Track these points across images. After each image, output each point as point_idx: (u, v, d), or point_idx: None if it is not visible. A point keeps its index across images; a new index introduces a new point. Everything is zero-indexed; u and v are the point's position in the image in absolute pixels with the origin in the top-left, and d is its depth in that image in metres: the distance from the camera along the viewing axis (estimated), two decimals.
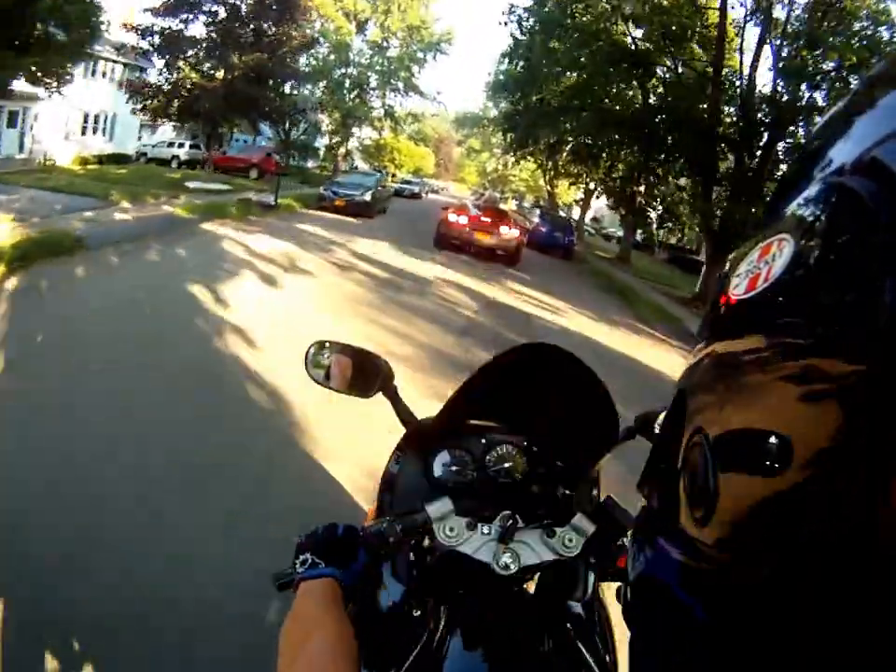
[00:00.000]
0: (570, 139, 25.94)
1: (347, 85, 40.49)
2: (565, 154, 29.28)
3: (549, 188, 40.45)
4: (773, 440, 0.40)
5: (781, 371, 0.41)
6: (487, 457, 1.34)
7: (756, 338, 0.44)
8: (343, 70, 39.96)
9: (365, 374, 1.39)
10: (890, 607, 0.33)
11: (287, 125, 37.49)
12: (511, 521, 1.06)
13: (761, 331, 0.44)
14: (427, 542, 1.16)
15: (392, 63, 40.90)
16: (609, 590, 1.13)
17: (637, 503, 0.61)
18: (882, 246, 0.35)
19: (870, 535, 0.34)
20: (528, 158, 34.57)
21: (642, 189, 24.69)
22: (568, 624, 1.08)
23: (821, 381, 0.37)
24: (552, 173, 39.51)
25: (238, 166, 29.13)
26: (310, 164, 44.84)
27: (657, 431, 0.83)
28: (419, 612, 1.08)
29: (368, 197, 19.86)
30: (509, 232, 15.38)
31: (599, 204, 65.95)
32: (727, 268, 0.53)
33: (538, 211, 26.76)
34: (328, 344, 1.46)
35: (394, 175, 55.53)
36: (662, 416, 1.17)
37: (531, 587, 1.17)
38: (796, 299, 0.41)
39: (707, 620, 0.45)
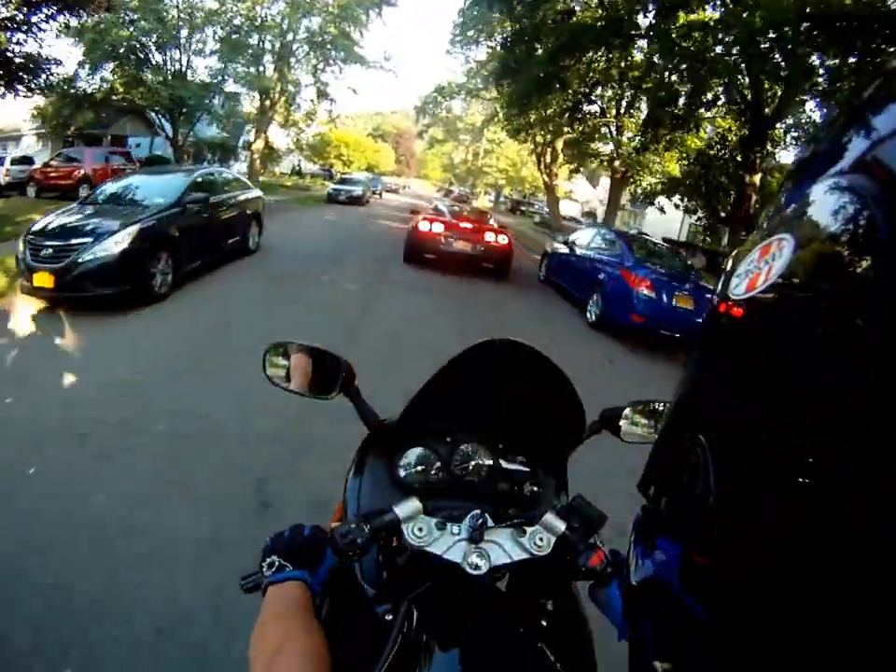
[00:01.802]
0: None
1: (269, 59, 29.91)
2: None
3: (546, 175, 30.21)
4: (772, 440, 0.41)
5: (781, 372, 0.42)
6: (453, 456, 1.34)
7: (755, 338, 0.46)
8: (256, 37, 29.09)
9: (325, 375, 1.35)
10: (890, 606, 0.34)
11: (179, 116, 26.86)
12: (480, 520, 1.04)
13: (760, 331, 0.45)
14: (395, 543, 1.13)
15: (321, 21, 30.17)
16: (582, 589, 1.15)
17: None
18: (882, 246, 0.36)
19: (870, 536, 0.35)
20: (530, 128, 26.38)
21: (756, 179, 14.26)
22: (543, 622, 1.08)
23: (821, 381, 0.38)
24: (551, 154, 29.58)
25: (61, 183, 18.37)
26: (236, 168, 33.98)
27: (658, 433, 0.65)
28: (390, 615, 1.03)
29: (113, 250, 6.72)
30: (497, 238, 12.10)
31: (591, 194, 56.48)
32: (727, 268, 0.53)
33: (603, 231, 11.40)
34: (286, 345, 1.40)
35: (344, 175, 45.30)
36: (626, 411, 1.38)
37: (503, 586, 1.15)
38: (796, 298, 0.42)
39: (707, 619, 0.46)
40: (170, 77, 25.52)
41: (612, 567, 1.03)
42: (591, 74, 19.00)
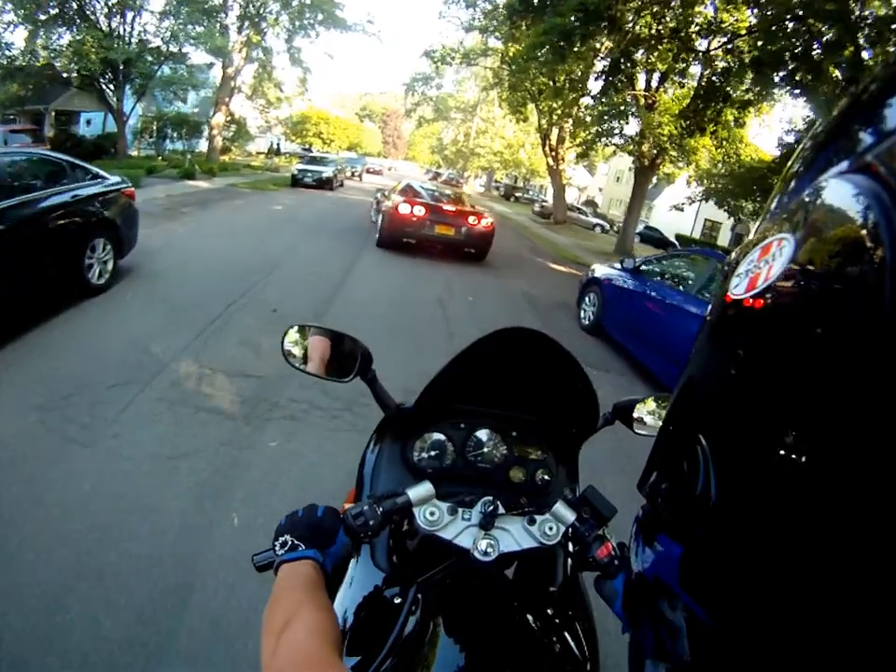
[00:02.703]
0: None
1: (233, 20, 25.61)
2: None
3: (552, 158, 26.11)
4: (772, 440, 0.41)
5: (780, 371, 0.42)
6: (467, 442, 1.35)
7: (755, 337, 0.45)
8: None
9: (343, 358, 1.33)
10: (891, 605, 0.34)
11: (119, 85, 22.68)
12: (491, 507, 1.05)
13: (760, 331, 0.45)
14: (406, 527, 1.16)
15: None
16: (588, 579, 1.12)
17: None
18: (882, 246, 0.36)
19: (870, 535, 0.35)
20: (536, 100, 22.76)
21: None
22: (549, 611, 1.08)
23: (821, 380, 0.38)
24: (558, 134, 25.62)
25: None
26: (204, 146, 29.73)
27: (658, 432, 0.65)
28: (399, 598, 1.04)
29: None
30: (480, 222, 11.39)
31: (588, 182, 52.46)
32: (727, 268, 0.54)
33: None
34: (305, 328, 1.40)
35: (313, 153, 41.46)
36: (639, 404, 1.36)
37: (511, 573, 1.18)
38: (796, 298, 0.42)
39: (707, 619, 0.46)
40: (102, 38, 21.14)
41: (619, 560, 1.00)
42: (643, 18, 14.97)
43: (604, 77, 16.72)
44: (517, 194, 47.92)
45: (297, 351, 1.38)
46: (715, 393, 0.50)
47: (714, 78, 15.38)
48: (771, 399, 0.42)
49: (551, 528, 1.04)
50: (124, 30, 22.68)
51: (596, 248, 20.59)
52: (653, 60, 16.49)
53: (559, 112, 23.15)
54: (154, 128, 30.87)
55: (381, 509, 1.00)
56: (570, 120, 24.22)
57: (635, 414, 1.38)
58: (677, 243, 31.34)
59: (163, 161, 23.84)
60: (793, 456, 0.39)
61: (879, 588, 0.35)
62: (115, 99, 23.48)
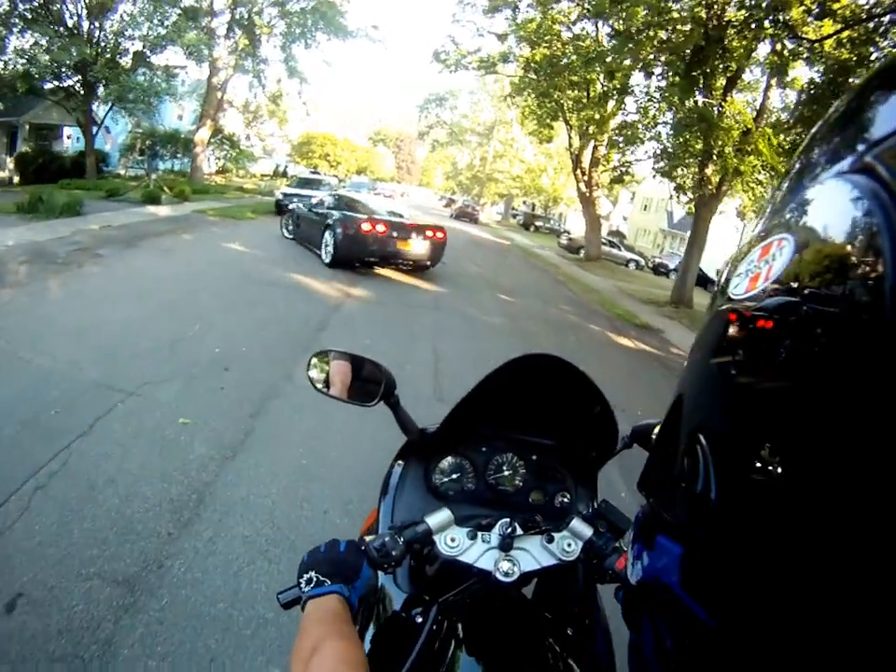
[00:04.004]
0: None
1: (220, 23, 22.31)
2: None
3: (584, 184, 22.44)
4: (772, 440, 0.42)
5: (780, 373, 0.42)
6: (488, 466, 1.35)
7: (755, 337, 0.45)
8: None
9: (366, 383, 1.34)
10: (892, 605, 0.34)
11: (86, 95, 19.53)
12: (510, 528, 1.07)
13: (760, 330, 0.45)
14: (427, 551, 1.15)
15: None
16: (607, 591, 1.10)
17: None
18: (883, 247, 0.36)
19: (871, 535, 0.35)
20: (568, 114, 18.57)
21: None
22: (569, 630, 1.09)
23: (821, 381, 0.38)
24: (592, 154, 22.08)
25: None
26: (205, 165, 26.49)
27: (658, 432, 0.66)
28: (420, 619, 1.04)
29: None
30: (436, 235, 11.69)
31: (609, 208, 48.90)
32: (727, 269, 0.53)
33: None
34: (328, 353, 1.41)
35: (340, 179, 38.30)
36: (657, 428, 1.22)
37: (530, 589, 1.21)
38: (796, 298, 0.42)
39: (707, 620, 0.46)
40: (66, 40, 17.91)
41: None
42: None
43: (681, 74, 12.94)
44: (537, 223, 44.47)
45: (319, 376, 1.38)
46: (715, 393, 0.49)
47: (822, 80, 11.72)
48: (771, 400, 0.42)
49: (569, 545, 1.08)
50: (93, 32, 19.45)
51: (646, 296, 16.83)
52: (742, 48, 12.64)
53: (594, 129, 19.58)
54: (138, 145, 27.93)
55: (402, 539, 1.02)
56: (605, 139, 20.72)
57: (653, 437, 1.33)
58: (714, 277, 27.48)
59: (134, 181, 20.50)
60: (794, 456, 0.40)
61: (880, 588, 0.35)
62: (81, 111, 20.22)
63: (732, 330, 0.48)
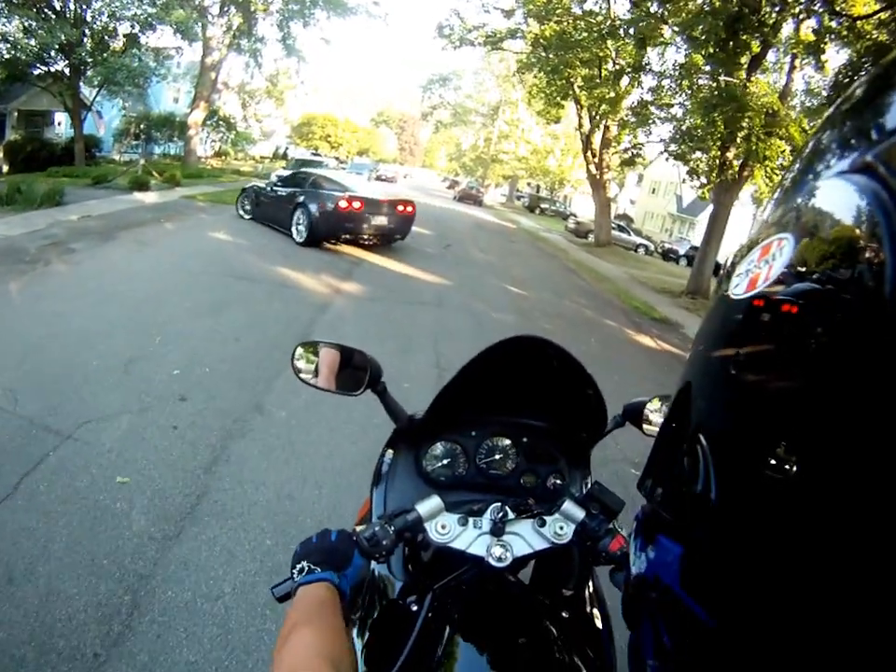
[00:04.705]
0: None
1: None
2: None
3: (594, 166, 21.50)
4: (773, 439, 0.42)
5: (781, 372, 0.42)
6: (479, 450, 1.35)
7: (755, 337, 0.46)
8: None
9: (353, 372, 1.33)
10: (892, 604, 0.35)
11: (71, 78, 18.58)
12: (501, 513, 1.07)
13: (760, 331, 0.45)
14: (420, 538, 1.12)
15: None
16: (603, 573, 1.13)
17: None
18: (883, 247, 0.36)
19: (872, 534, 0.35)
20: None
21: None
22: (564, 613, 1.09)
23: (822, 381, 0.38)
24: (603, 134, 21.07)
25: None
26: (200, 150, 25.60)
27: (658, 432, 0.66)
28: (416, 606, 1.04)
29: None
30: (406, 209, 12.18)
31: (615, 191, 47.78)
32: (727, 268, 0.53)
33: None
34: (315, 344, 1.40)
35: (342, 161, 37.24)
36: (648, 405, 1.37)
37: (527, 573, 1.22)
38: (796, 298, 0.42)
39: (707, 619, 0.46)
40: (53, 22, 16.90)
41: None
42: None
43: (716, 48, 11.91)
44: (543, 206, 43.38)
45: (306, 366, 1.37)
46: (715, 392, 0.49)
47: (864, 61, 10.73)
48: (770, 400, 0.43)
49: (561, 528, 1.07)
50: (83, 13, 18.40)
51: (660, 284, 15.95)
52: (777, 22, 11.58)
53: (607, 108, 18.61)
54: (132, 129, 26.97)
55: (392, 528, 1.01)
56: (618, 119, 19.75)
57: (644, 416, 1.37)
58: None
59: (127, 167, 19.61)
60: (793, 457, 0.40)
61: (880, 588, 0.35)
62: (68, 95, 19.23)
63: (731, 330, 0.48)
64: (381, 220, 11.54)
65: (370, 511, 1.33)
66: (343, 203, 10.78)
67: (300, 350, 1.38)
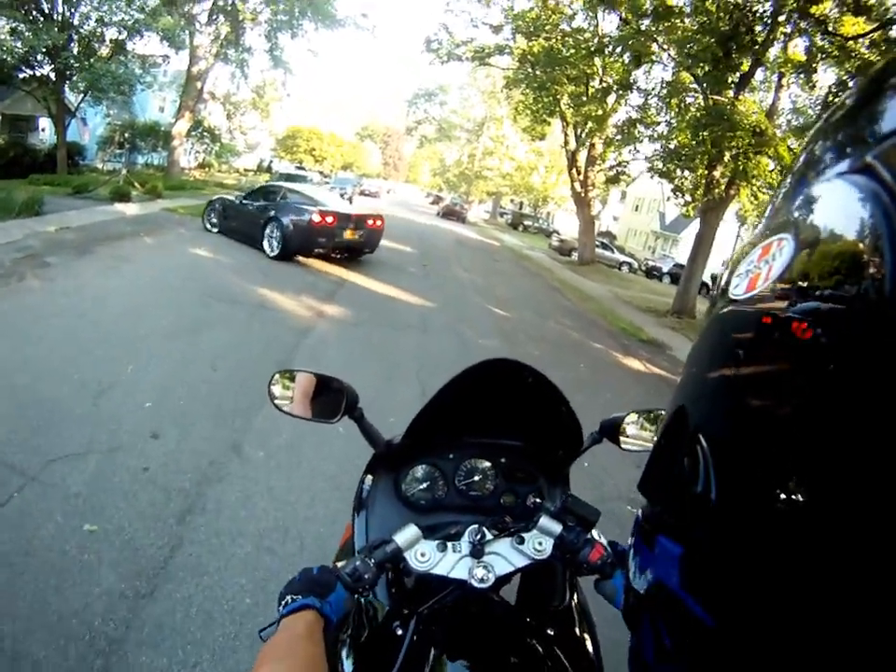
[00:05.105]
0: None
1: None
2: None
3: (579, 184, 21.61)
4: (772, 439, 0.42)
5: (781, 374, 0.42)
6: (457, 473, 1.35)
7: (755, 338, 0.46)
8: None
9: (329, 399, 1.32)
10: (892, 606, 0.35)
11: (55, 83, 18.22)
12: (479, 535, 1.08)
13: (760, 331, 0.45)
14: (402, 565, 1.13)
15: None
16: (586, 582, 1.17)
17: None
18: (883, 247, 0.36)
19: (872, 534, 0.35)
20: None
21: None
22: (550, 630, 1.10)
23: (821, 381, 0.38)
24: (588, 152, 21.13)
25: None
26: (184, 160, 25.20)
27: (658, 435, 0.65)
28: (401, 631, 1.05)
29: None
30: (375, 223, 12.57)
31: (597, 207, 48.17)
32: (727, 269, 0.54)
33: None
34: (290, 372, 1.39)
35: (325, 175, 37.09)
36: (625, 420, 1.38)
37: (513, 590, 1.26)
38: (796, 298, 0.42)
39: (707, 620, 0.46)
40: (40, 24, 16.58)
41: (613, 559, 1.07)
42: None
43: (711, 66, 11.98)
44: (526, 223, 43.56)
45: (282, 392, 1.36)
46: (714, 393, 0.49)
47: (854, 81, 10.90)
48: (770, 400, 0.43)
49: (540, 543, 1.09)
50: (71, 17, 18.07)
51: (645, 304, 15.95)
52: (769, 41, 11.70)
53: (594, 125, 18.74)
54: (117, 138, 26.53)
55: (373, 560, 1.01)
56: (603, 137, 19.92)
57: (621, 432, 1.38)
58: (710, 283, 26.53)
59: (110, 176, 19.25)
60: (793, 457, 0.40)
61: (880, 588, 0.35)
62: (52, 100, 18.82)
63: (731, 331, 0.48)
64: (352, 234, 11.71)
65: (351, 537, 1.32)
66: (316, 218, 10.95)
67: (276, 377, 1.37)
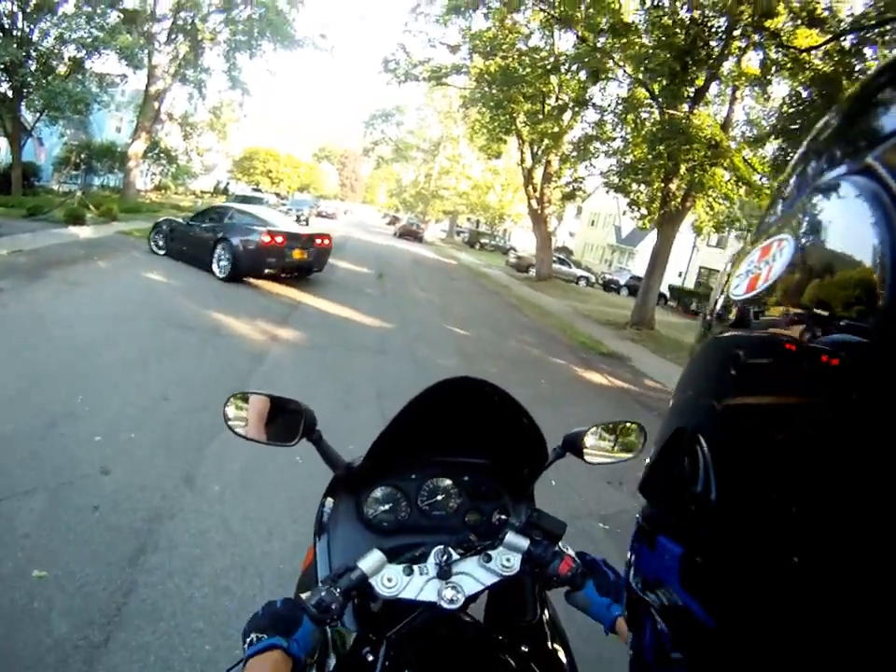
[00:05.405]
0: None
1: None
2: None
3: (536, 201, 22.00)
4: (772, 440, 0.42)
5: (780, 375, 0.43)
6: (420, 493, 1.35)
7: (754, 338, 0.46)
8: None
9: (286, 422, 1.30)
10: (892, 606, 0.35)
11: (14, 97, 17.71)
12: (445, 555, 1.07)
13: (760, 332, 0.46)
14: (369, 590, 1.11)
15: None
16: (556, 595, 1.17)
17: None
18: (883, 248, 0.36)
19: (872, 534, 0.35)
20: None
21: None
22: (523, 647, 1.10)
23: (821, 381, 0.39)
24: (544, 170, 21.54)
25: None
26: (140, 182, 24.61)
27: (658, 436, 0.64)
28: (371, 657, 1.04)
29: None
30: (323, 242, 12.70)
31: (553, 224, 48.96)
32: (727, 269, 0.54)
33: None
34: (245, 395, 1.36)
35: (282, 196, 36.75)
36: (589, 434, 1.38)
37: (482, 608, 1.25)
38: (796, 299, 0.42)
39: (708, 620, 0.46)
40: None
41: (583, 569, 1.08)
42: None
43: (668, 81, 12.35)
44: (483, 241, 43.98)
45: (235, 415, 1.33)
46: (714, 393, 0.49)
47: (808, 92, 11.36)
48: (770, 400, 0.43)
49: (508, 560, 1.07)
50: (30, 33, 17.64)
51: (604, 317, 16.18)
52: (724, 55, 12.13)
53: (550, 142, 19.09)
54: (73, 159, 25.85)
55: (338, 589, 0.98)
56: (559, 154, 20.29)
57: (585, 445, 1.36)
58: (668, 294, 27.17)
59: (65, 198, 18.67)
60: (792, 457, 0.40)
61: (880, 588, 0.35)
62: (8, 118, 18.24)
63: (731, 330, 0.49)
64: (301, 254, 11.69)
65: (314, 562, 1.30)
66: (265, 238, 10.86)
67: (231, 400, 1.34)
